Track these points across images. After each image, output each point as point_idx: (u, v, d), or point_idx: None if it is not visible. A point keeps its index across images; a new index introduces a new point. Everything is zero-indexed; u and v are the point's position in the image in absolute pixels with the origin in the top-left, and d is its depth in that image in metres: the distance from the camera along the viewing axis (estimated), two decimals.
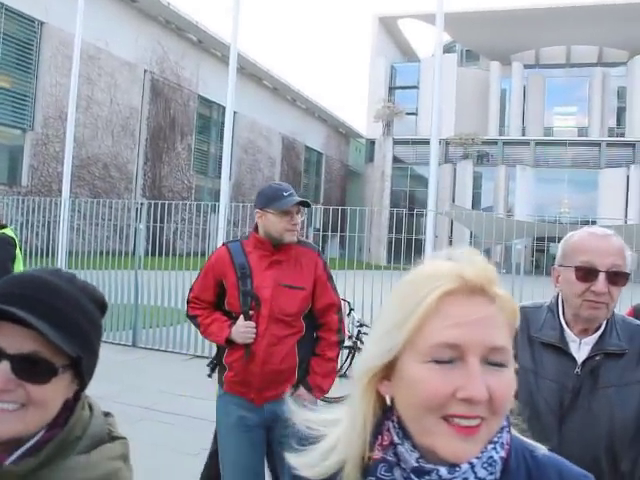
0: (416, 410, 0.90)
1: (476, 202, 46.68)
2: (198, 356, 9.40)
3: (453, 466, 0.90)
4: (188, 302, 3.41)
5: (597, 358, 1.92)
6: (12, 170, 25.31)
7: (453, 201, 43.78)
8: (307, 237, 11.51)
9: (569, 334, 1.95)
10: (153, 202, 11.07)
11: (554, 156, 47.97)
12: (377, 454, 0.97)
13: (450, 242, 29.67)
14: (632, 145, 46.59)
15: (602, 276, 1.84)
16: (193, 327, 9.55)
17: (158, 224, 10.84)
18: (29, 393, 1.00)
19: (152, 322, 10.23)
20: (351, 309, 8.50)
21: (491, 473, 0.93)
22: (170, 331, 9.97)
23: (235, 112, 16.19)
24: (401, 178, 49.45)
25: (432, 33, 50.64)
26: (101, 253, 11.29)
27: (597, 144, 47.69)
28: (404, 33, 57.73)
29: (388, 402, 0.99)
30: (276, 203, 3.15)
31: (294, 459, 1.04)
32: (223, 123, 16.12)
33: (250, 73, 37.40)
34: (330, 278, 3.35)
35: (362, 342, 7.69)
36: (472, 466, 0.91)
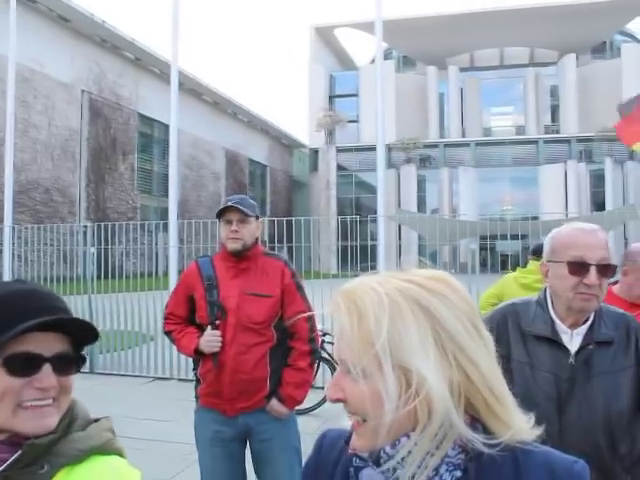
0: None
1: (421, 205, 47.36)
2: (159, 378, 9.26)
3: None
4: (164, 318, 3.44)
5: (589, 347, 2.00)
6: None
7: (399, 205, 44.26)
8: None
9: (560, 326, 2.04)
10: (99, 224, 10.85)
11: (494, 155, 49.12)
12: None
13: (399, 246, 29.96)
14: (567, 141, 48.08)
15: (593, 269, 1.94)
16: (152, 349, 9.50)
17: (106, 246, 10.63)
18: (61, 385, 1.20)
19: (109, 346, 10.03)
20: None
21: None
22: (129, 354, 9.79)
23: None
24: (346, 185, 49.81)
25: (368, 41, 51.23)
26: (48, 279, 11.03)
27: (534, 142, 49.00)
28: (341, 42, 58.26)
29: None
30: (218, 212, 3.26)
31: None
32: (165, 140, 16.04)
33: (190, 88, 37.13)
34: (299, 287, 3.36)
35: (327, 352, 7.43)
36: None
